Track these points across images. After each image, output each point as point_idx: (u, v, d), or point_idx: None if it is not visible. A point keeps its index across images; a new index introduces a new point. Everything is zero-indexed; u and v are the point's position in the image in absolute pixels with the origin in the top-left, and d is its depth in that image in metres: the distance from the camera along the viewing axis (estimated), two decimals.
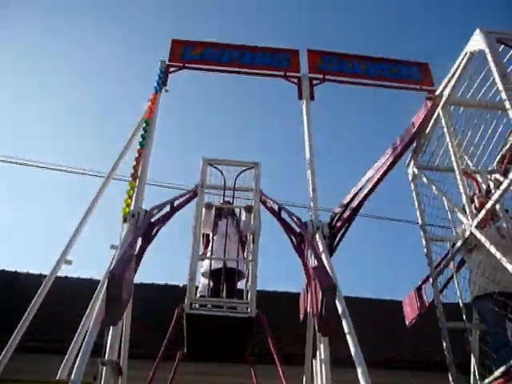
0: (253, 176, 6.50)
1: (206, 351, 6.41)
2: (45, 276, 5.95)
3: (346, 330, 4.54)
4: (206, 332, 5.75)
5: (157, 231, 5.75)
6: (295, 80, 7.64)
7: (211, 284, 6.14)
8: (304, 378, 6.22)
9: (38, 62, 23.66)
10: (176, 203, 6.11)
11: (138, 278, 5.84)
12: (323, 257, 5.37)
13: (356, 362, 4.17)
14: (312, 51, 8.05)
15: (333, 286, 4.28)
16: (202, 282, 6.41)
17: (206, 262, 6.45)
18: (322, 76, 7.73)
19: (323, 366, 5.15)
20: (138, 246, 5.33)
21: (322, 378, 5.18)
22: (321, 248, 5.60)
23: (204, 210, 6.27)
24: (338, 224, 6.27)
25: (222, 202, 6.91)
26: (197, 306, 5.59)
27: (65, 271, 6.68)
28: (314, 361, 5.78)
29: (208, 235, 6.81)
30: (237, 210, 7.02)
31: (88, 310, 5.74)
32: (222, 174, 6.66)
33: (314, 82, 7.63)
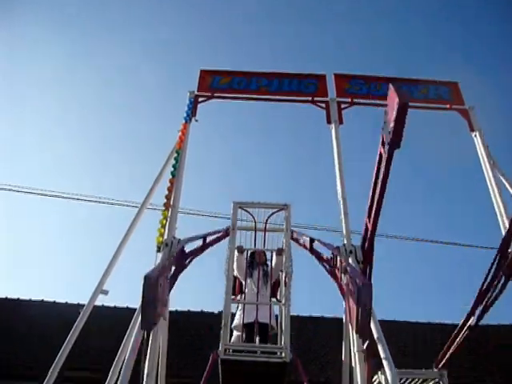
0: (284, 217, 6.31)
1: None
2: (82, 305, 6.07)
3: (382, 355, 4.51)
4: (241, 378, 5.63)
5: (190, 261, 5.81)
6: (323, 105, 7.68)
7: (244, 336, 5.99)
8: None
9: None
10: (208, 239, 6.14)
11: (173, 306, 5.90)
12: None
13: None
14: (339, 75, 8.11)
15: (367, 283, 4.33)
16: (235, 334, 6.21)
17: (238, 316, 6.18)
18: (350, 100, 7.77)
19: None
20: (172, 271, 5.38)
21: None
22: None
23: (236, 253, 6.14)
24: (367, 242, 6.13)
25: (253, 247, 6.59)
26: (231, 351, 5.44)
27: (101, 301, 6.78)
28: None
29: (239, 280, 6.49)
30: (268, 256, 6.67)
31: (125, 339, 5.78)
32: (252, 217, 6.49)
33: (343, 105, 7.66)
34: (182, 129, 7.11)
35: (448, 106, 7.93)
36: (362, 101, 7.89)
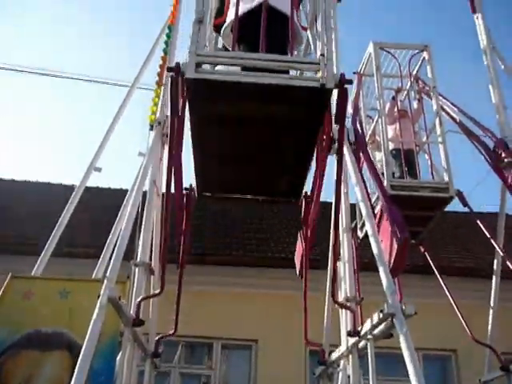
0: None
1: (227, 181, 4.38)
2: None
3: (369, 232, 4.59)
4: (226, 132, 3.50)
5: None
6: None
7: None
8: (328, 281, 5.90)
9: None
10: None
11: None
12: None
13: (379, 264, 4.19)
14: None
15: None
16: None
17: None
18: None
19: (347, 267, 5.17)
20: None
21: (345, 280, 5.21)
22: None
23: None
24: None
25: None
26: (208, 67, 3.07)
27: (96, 182, 6.83)
28: (338, 263, 5.71)
29: None
30: None
31: (119, 216, 5.89)
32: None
33: None
34: (174, 3, 6.75)
35: None
36: None
